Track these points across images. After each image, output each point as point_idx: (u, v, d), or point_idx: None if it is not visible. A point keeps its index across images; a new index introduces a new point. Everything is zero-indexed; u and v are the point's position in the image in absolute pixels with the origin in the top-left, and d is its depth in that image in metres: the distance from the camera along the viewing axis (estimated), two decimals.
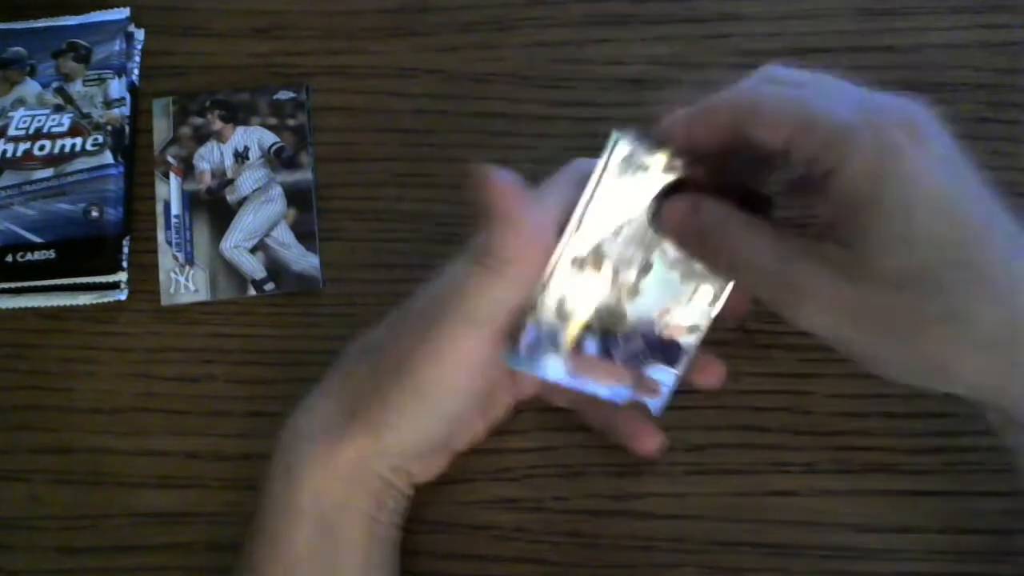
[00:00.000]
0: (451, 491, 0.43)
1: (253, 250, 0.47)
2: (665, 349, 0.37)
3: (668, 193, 0.36)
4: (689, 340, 0.37)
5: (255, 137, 0.48)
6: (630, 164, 0.35)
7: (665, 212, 0.35)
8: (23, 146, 0.47)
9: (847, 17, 0.47)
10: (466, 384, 0.36)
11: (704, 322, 0.37)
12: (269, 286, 0.46)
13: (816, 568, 0.41)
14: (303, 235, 0.47)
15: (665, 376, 0.38)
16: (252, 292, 0.46)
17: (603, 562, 0.42)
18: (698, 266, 0.36)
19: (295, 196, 0.48)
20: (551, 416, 0.43)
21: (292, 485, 0.36)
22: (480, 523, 0.42)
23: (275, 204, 0.47)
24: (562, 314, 0.36)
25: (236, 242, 0.47)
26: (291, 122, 0.48)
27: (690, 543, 0.42)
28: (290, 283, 0.46)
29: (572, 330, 0.37)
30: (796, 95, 0.33)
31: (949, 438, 0.42)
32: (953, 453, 0.42)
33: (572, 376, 0.37)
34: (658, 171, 0.35)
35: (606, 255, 0.36)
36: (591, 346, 0.37)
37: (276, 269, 0.46)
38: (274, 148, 0.48)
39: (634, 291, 0.37)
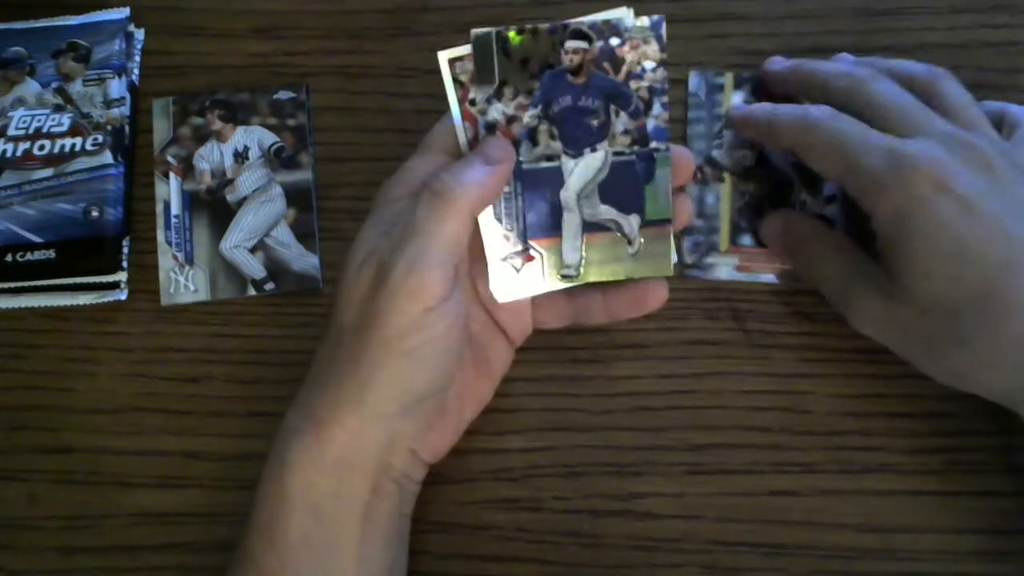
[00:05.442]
0: (451, 491, 0.43)
1: (253, 250, 0.47)
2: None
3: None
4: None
5: (255, 137, 0.48)
6: None
7: (765, 226, 0.44)
8: (23, 146, 0.47)
9: (847, 17, 0.47)
10: (434, 321, 0.35)
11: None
12: (269, 286, 0.46)
13: (816, 568, 0.41)
14: (303, 235, 0.47)
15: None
16: (252, 292, 0.46)
17: (603, 562, 0.42)
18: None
19: (295, 196, 0.48)
20: (551, 416, 0.43)
21: (284, 478, 0.36)
22: (480, 523, 0.42)
23: (275, 204, 0.47)
24: (707, 217, 0.44)
25: (236, 242, 0.47)
26: (291, 122, 0.48)
27: (690, 543, 0.42)
28: (290, 283, 0.46)
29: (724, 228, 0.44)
30: (848, 131, 0.38)
31: (949, 438, 0.42)
32: (953, 453, 0.42)
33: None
34: None
35: None
36: (747, 239, 0.44)
37: (276, 269, 0.46)
38: (274, 148, 0.48)
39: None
